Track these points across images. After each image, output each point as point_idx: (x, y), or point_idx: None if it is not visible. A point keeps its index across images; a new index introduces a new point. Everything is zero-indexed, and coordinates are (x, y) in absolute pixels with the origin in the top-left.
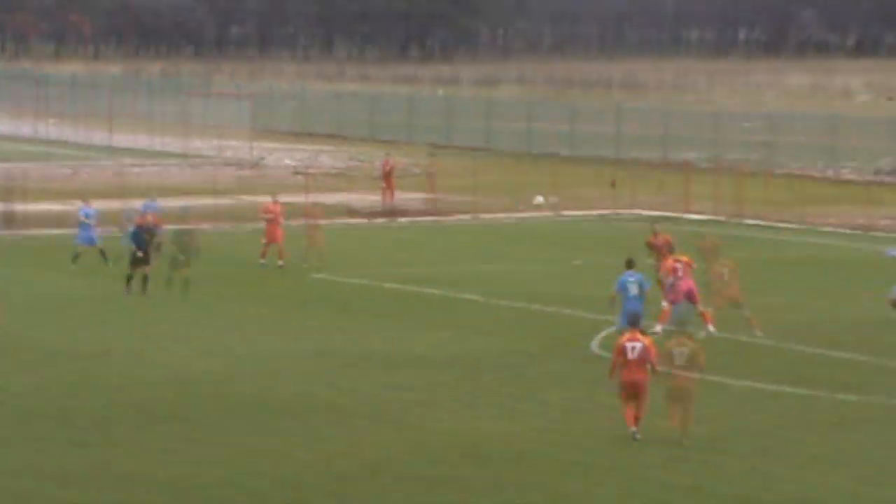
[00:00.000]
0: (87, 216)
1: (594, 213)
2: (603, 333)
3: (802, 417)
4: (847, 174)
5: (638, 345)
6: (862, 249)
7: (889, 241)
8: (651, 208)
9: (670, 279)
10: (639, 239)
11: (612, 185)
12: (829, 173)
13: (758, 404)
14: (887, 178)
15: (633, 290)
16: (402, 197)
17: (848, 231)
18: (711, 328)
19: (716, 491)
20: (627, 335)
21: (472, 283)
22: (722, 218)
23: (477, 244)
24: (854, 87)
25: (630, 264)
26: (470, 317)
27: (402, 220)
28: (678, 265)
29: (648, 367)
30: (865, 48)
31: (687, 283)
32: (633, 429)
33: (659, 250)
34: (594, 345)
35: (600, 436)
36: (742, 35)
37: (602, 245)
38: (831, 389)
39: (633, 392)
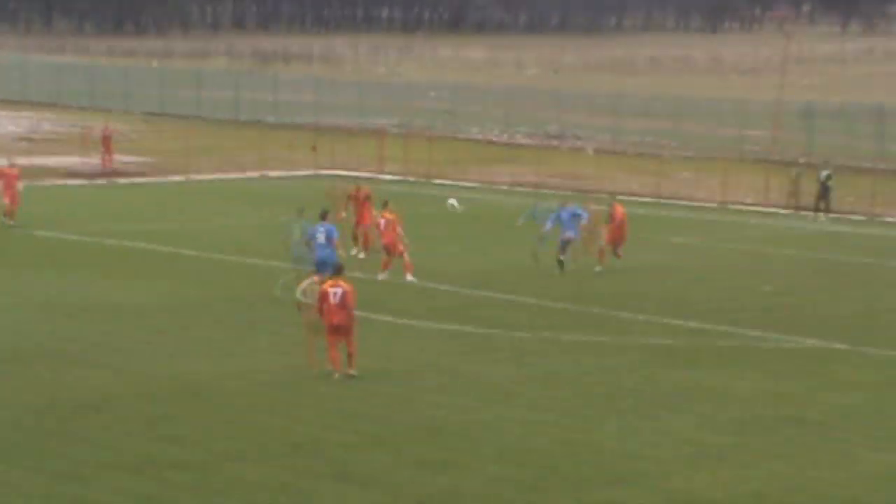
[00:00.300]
0: None
1: (297, 174)
2: (307, 281)
3: (483, 353)
4: (520, 138)
5: (339, 290)
6: (531, 204)
7: (555, 196)
8: (349, 169)
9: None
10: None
11: (314, 149)
12: (505, 137)
13: (442, 343)
14: (554, 142)
15: (321, 238)
16: (120, 160)
17: (520, 188)
18: (410, 277)
19: (404, 420)
20: (330, 281)
21: (187, 238)
22: (412, 178)
23: (189, 203)
24: (525, 61)
25: (323, 216)
26: (185, 269)
27: (121, 181)
28: (382, 221)
29: (349, 309)
30: (534, 27)
31: (388, 237)
32: (338, 374)
33: (359, 203)
34: (298, 292)
35: (304, 374)
36: (427, 14)
37: (304, 203)
38: (506, 328)
39: (337, 334)
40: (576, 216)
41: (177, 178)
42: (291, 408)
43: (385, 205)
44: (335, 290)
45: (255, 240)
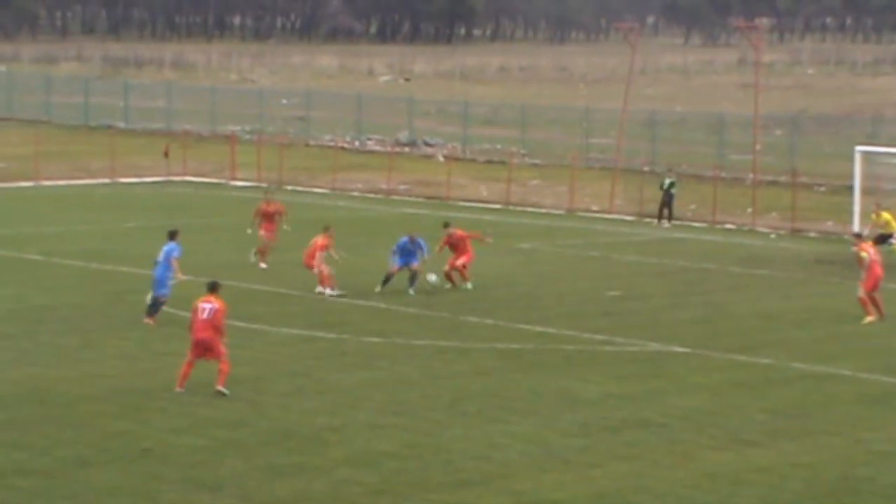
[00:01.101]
0: None
1: (148, 180)
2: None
3: (333, 358)
4: (371, 145)
5: (209, 306)
6: (384, 211)
7: (406, 203)
8: (201, 176)
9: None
10: (190, 202)
11: (165, 154)
12: (356, 144)
13: (293, 348)
14: (405, 149)
15: (160, 257)
16: None
17: (371, 195)
18: (329, 291)
19: (257, 425)
20: (204, 297)
21: (34, 243)
22: (264, 184)
23: (38, 208)
24: (376, 68)
25: (172, 235)
26: (31, 274)
27: None
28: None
29: (217, 327)
30: (386, 35)
31: (309, 255)
32: (179, 389)
33: (268, 217)
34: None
35: (153, 380)
36: (279, 22)
37: (154, 209)
38: (358, 333)
39: (201, 349)
40: (414, 247)
41: (26, 183)
42: (140, 413)
43: (326, 229)
44: (205, 305)
45: (104, 246)
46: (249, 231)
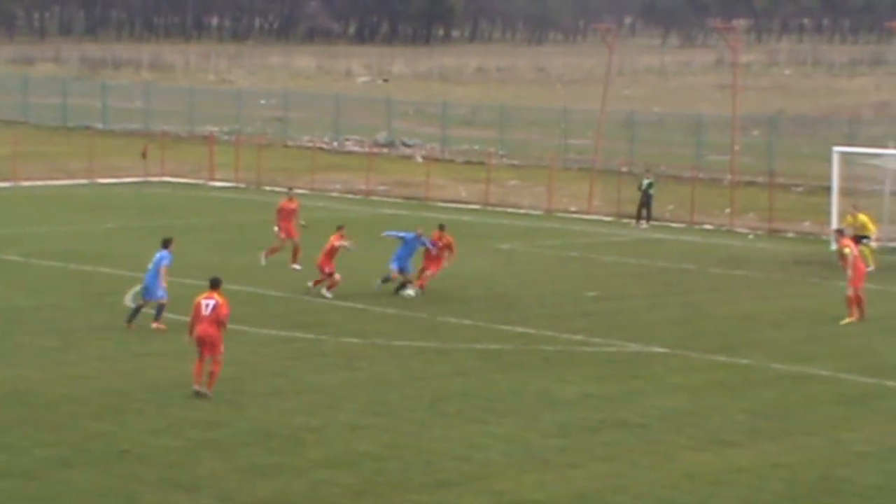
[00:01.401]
0: None
1: (126, 180)
2: (136, 288)
3: (312, 359)
4: (350, 146)
5: (211, 302)
6: (362, 211)
7: (385, 203)
8: (179, 176)
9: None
10: (169, 203)
11: (143, 155)
12: (335, 145)
13: (272, 348)
14: (383, 150)
15: (151, 264)
16: None
17: (350, 196)
18: (327, 293)
19: (237, 426)
20: (205, 294)
21: (12, 244)
22: (242, 185)
23: (17, 209)
24: (355, 69)
25: (166, 244)
26: (10, 276)
27: None
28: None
29: (220, 323)
30: (364, 36)
31: (323, 258)
32: (196, 387)
33: (287, 214)
34: (128, 299)
35: (133, 381)
36: (257, 22)
37: (133, 210)
38: (337, 334)
39: (203, 345)
40: (417, 244)
41: (4, 184)
42: (119, 414)
43: (339, 228)
44: (207, 301)
45: (84, 246)
46: (276, 229)
